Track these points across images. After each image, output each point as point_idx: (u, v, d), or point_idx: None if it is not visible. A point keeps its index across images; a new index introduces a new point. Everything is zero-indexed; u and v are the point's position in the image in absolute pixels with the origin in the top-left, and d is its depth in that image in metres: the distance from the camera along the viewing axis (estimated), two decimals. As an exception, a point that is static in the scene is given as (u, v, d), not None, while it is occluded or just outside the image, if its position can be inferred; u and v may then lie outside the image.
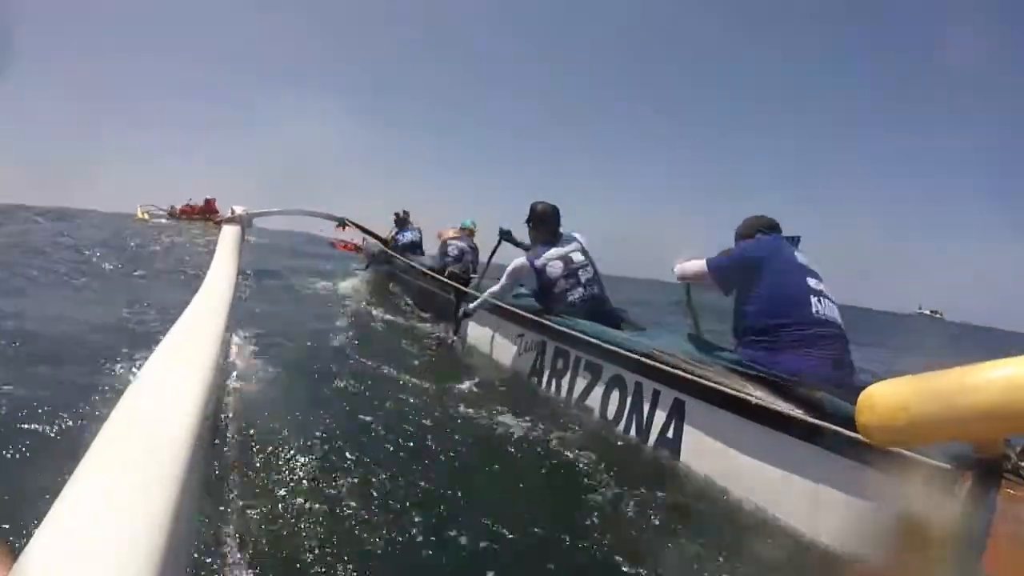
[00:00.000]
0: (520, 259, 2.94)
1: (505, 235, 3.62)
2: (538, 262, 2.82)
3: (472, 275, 4.32)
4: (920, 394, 1.04)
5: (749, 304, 1.99)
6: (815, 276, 1.96)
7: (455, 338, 3.48)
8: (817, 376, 1.72)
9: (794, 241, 2.16)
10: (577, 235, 2.97)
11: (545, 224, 2.98)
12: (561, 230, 2.97)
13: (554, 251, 2.84)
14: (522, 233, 3.31)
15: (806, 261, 2.01)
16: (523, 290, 3.05)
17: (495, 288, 3.09)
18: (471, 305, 3.25)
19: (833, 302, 1.94)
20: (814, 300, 1.87)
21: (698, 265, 2.24)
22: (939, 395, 1.00)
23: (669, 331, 2.63)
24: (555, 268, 2.79)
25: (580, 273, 2.80)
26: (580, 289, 2.76)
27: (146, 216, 18.24)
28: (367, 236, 6.22)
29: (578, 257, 2.84)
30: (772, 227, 2.21)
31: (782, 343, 1.84)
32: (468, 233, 5.12)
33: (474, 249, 4.90)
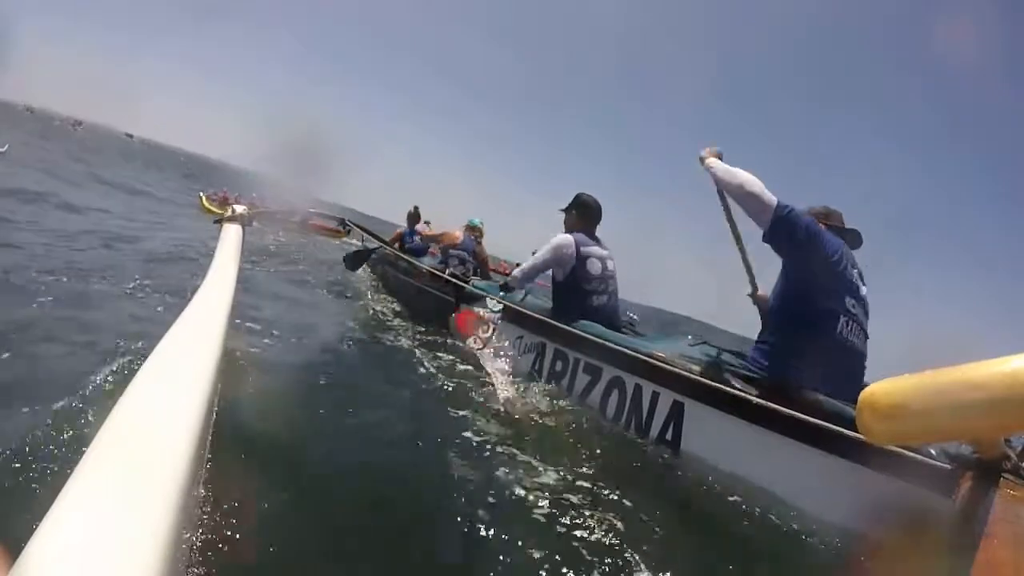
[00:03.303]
0: (565, 236, 2.73)
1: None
2: (584, 248, 2.68)
3: (474, 277, 4.19)
4: (921, 392, 1.04)
5: (784, 292, 1.87)
6: (856, 291, 1.81)
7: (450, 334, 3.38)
8: (819, 388, 1.69)
9: (853, 237, 1.97)
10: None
11: (587, 215, 2.84)
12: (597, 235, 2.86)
13: (597, 248, 2.74)
14: (520, 236, 3.25)
15: (855, 273, 1.85)
16: (526, 294, 2.98)
17: (526, 265, 2.91)
18: (510, 281, 3.00)
19: (863, 330, 1.81)
20: (842, 321, 1.75)
21: (760, 187, 1.87)
22: (940, 393, 1.00)
23: (669, 336, 2.63)
24: (595, 267, 2.68)
25: (610, 282, 2.73)
26: (604, 297, 2.69)
27: (221, 209, 15.69)
28: (369, 237, 6.20)
29: (611, 265, 2.76)
30: (826, 215, 1.98)
31: (791, 352, 1.77)
32: (475, 232, 4.80)
33: (477, 257, 4.61)
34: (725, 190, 2.11)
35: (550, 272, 2.83)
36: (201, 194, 10.69)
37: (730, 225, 2.31)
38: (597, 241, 2.83)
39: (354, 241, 5.10)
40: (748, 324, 2.29)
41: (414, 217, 6.33)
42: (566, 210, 2.91)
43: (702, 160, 2.13)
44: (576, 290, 2.66)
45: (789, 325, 1.81)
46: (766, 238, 1.86)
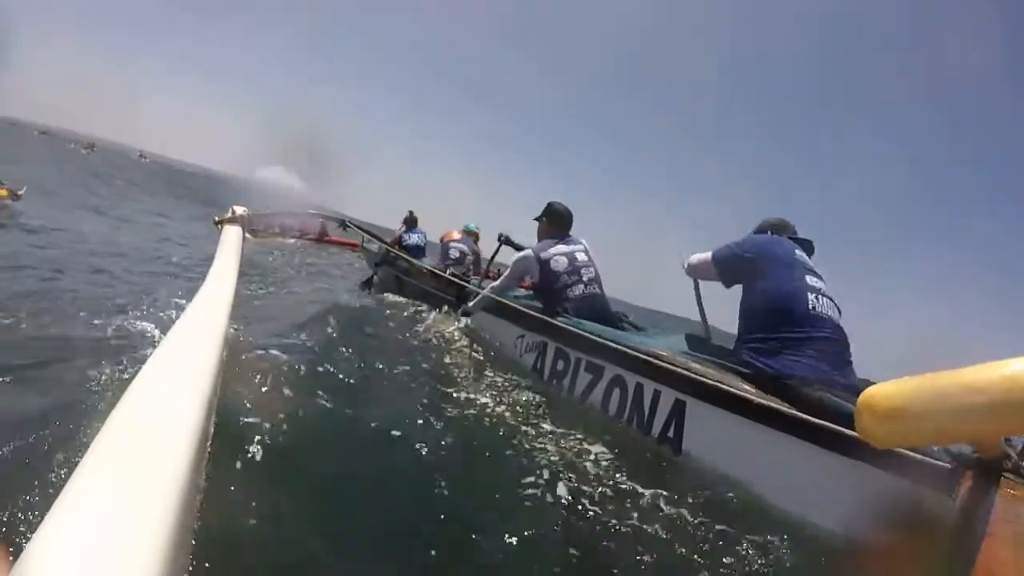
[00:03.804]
0: (525, 251, 2.97)
1: (505, 240, 3.63)
2: (543, 254, 2.86)
3: (474, 276, 4.31)
4: (920, 395, 1.04)
5: (749, 299, 1.99)
6: (814, 274, 1.95)
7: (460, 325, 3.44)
8: (814, 378, 1.72)
9: (806, 245, 2.15)
10: (583, 240, 3.03)
11: (558, 222, 3.04)
12: (570, 233, 3.03)
13: (560, 247, 2.90)
14: (521, 237, 3.34)
15: (806, 259, 2.00)
16: (521, 292, 3.09)
17: (497, 283, 3.11)
18: (471, 303, 3.25)
19: (833, 301, 1.92)
20: (811, 297, 1.86)
21: (704, 256, 2.26)
22: (940, 396, 1.00)
23: (668, 332, 2.64)
24: (559, 263, 2.83)
25: (583, 271, 2.85)
26: (581, 286, 2.81)
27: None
28: (368, 237, 6.22)
29: (582, 256, 2.90)
30: (781, 227, 2.21)
31: (778, 344, 1.83)
32: (471, 236, 5.09)
33: (475, 254, 4.87)
34: (694, 275, 2.50)
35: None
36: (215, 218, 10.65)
37: (696, 294, 2.62)
38: (567, 239, 2.98)
39: (372, 246, 5.07)
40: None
41: (411, 222, 6.42)
42: (539, 218, 3.12)
43: (684, 268, 2.47)
44: (550, 288, 2.82)
45: (767, 319, 1.90)
46: (727, 285, 2.14)
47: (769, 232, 2.19)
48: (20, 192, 7.52)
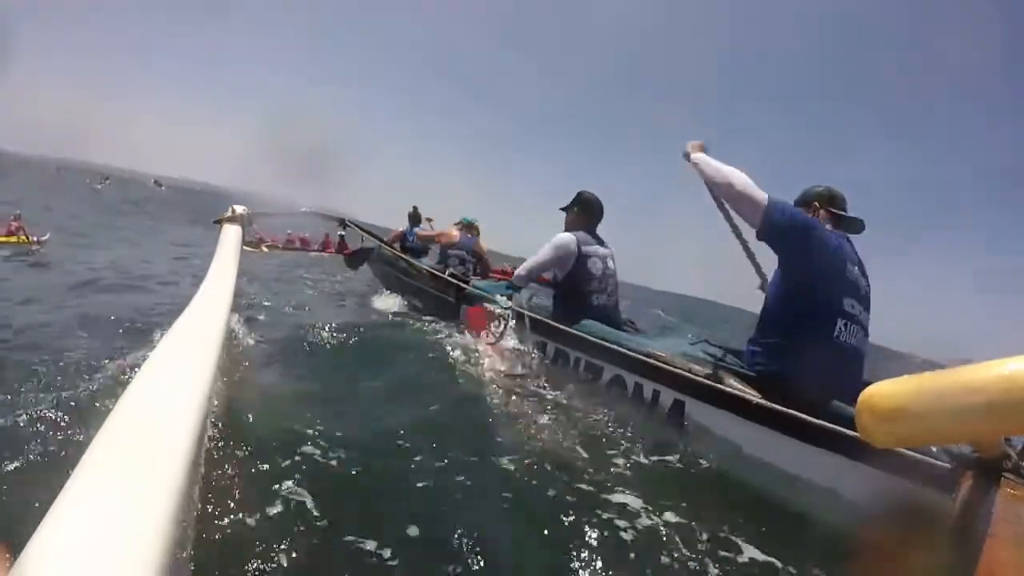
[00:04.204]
0: (566, 235, 2.71)
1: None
2: (585, 248, 2.66)
3: (474, 278, 4.14)
4: (920, 395, 1.04)
5: (778, 299, 1.82)
6: (856, 296, 1.76)
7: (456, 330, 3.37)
8: (819, 387, 1.68)
9: (854, 224, 1.90)
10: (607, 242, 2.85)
11: (589, 212, 2.82)
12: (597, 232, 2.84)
13: (599, 248, 2.72)
14: (523, 236, 3.23)
15: (855, 273, 1.79)
16: (531, 296, 2.94)
17: (527, 264, 2.85)
18: (518, 283, 2.93)
19: (863, 328, 1.77)
20: (840, 323, 1.71)
21: (748, 186, 1.80)
22: (939, 395, 1.00)
23: (668, 335, 2.64)
24: (595, 266, 2.66)
25: (609, 282, 2.72)
26: (604, 296, 2.69)
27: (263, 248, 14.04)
28: (368, 236, 6.19)
29: (612, 265, 2.76)
30: (830, 199, 1.89)
31: (790, 356, 1.74)
32: (469, 231, 4.76)
33: (477, 255, 4.55)
34: (713, 189, 2.06)
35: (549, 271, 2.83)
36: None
37: (727, 219, 2.28)
38: (598, 239, 2.81)
39: (371, 244, 5.01)
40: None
41: (414, 217, 6.31)
42: (567, 208, 2.88)
43: (687, 156, 2.07)
44: (576, 290, 2.66)
45: (785, 328, 1.77)
46: (759, 237, 1.81)
47: (818, 206, 1.88)
48: (44, 238, 7.50)
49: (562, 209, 2.91)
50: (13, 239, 7.56)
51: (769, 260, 2.03)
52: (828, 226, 1.85)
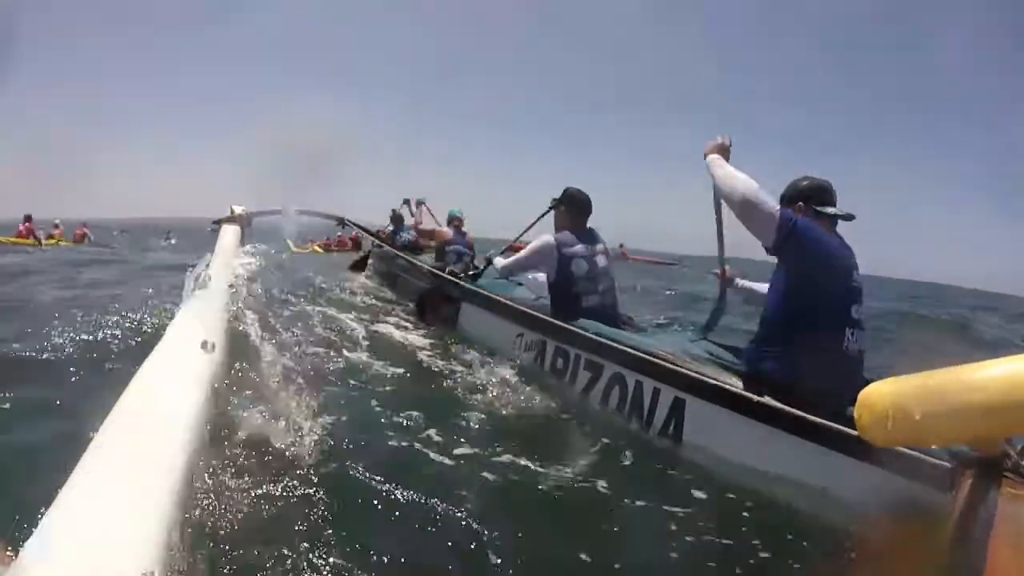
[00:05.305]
0: (547, 237, 2.73)
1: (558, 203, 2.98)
2: (565, 250, 2.66)
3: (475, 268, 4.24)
4: (919, 394, 1.04)
5: (781, 299, 1.78)
6: (859, 300, 1.76)
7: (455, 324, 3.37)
8: (823, 391, 1.67)
9: (846, 218, 1.85)
10: (600, 236, 2.83)
11: (578, 209, 2.81)
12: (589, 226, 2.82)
13: (580, 247, 2.69)
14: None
15: (858, 276, 1.77)
16: (517, 282, 2.99)
17: (510, 260, 2.92)
18: (495, 261, 3.11)
19: (864, 331, 1.76)
20: (848, 333, 1.70)
21: (761, 199, 1.72)
22: (939, 395, 1.00)
23: (668, 332, 2.63)
24: (580, 267, 2.64)
25: (600, 280, 2.69)
26: (596, 296, 2.66)
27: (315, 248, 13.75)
28: (365, 235, 6.21)
29: (602, 262, 2.73)
30: (821, 192, 1.83)
31: (795, 363, 1.71)
32: (458, 222, 5.05)
33: (471, 249, 4.83)
34: (723, 198, 1.97)
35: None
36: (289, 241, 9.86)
37: (717, 223, 2.28)
38: (589, 235, 2.78)
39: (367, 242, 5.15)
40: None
41: (398, 219, 6.47)
42: (555, 206, 2.87)
43: (706, 156, 1.99)
44: (566, 292, 2.66)
45: (793, 337, 1.74)
46: (772, 252, 1.75)
47: (807, 204, 1.81)
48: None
49: (551, 207, 2.90)
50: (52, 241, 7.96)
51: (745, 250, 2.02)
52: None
